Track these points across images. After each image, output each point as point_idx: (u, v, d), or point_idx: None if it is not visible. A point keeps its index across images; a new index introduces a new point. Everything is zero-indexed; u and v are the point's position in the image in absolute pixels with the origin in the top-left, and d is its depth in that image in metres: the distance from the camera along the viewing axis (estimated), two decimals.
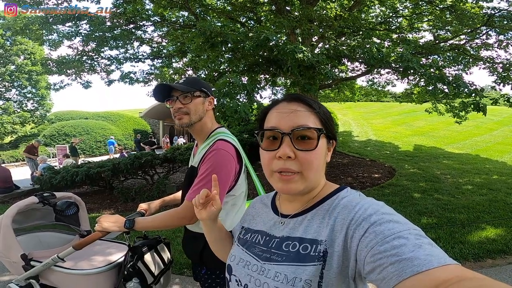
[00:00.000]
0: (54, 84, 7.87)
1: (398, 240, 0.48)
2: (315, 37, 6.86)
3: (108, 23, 6.73)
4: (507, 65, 6.58)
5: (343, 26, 6.20)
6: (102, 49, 7.45)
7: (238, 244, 0.75)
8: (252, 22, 7.92)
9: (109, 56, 7.85)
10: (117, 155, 12.60)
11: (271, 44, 4.45)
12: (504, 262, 3.01)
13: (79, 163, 7.84)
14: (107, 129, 18.48)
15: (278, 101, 0.68)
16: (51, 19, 6.33)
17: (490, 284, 0.38)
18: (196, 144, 1.38)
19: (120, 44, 7.48)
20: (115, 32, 6.89)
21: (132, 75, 8.41)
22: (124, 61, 8.02)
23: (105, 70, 8.06)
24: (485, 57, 7.22)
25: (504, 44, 7.01)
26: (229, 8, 7.31)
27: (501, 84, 6.32)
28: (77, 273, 1.28)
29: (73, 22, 6.55)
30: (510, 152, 10.53)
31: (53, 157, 14.47)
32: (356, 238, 0.54)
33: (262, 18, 7.72)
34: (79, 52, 7.38)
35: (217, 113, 4.31)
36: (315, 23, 6.27)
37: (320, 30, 6.44)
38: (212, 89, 1.35)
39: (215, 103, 1.31)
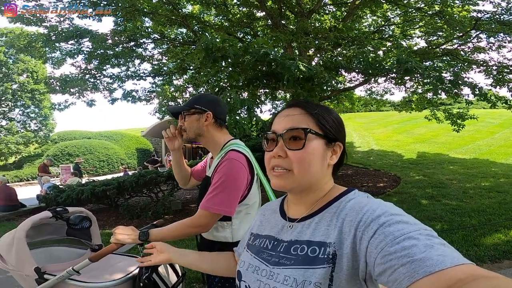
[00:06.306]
0: (59, 104, 7.85)
1: (409, 240, 0.47)
2: (312, 49, 6.97)
3: (110, 41, 6.83)
4: (501, 67, 6.59)
5: (338, 37, 6.31)
6: (104, 67, 7.54)
7: (247, 250, 0.76)
8: (249, 37, 8.08)
9: (111, 74, 7.95)
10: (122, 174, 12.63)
11: (269, 58, 4.53)
12: None
13: (83, 182, 7.86)
14: (110, 149, 18.50)
15: (283, 108, 0.75)
16: (54, 36, 6.30)
17: (506, 282, 0.37)
18: (211, 156, 1.43)
19: (121, 62, 7.57)
20: (116, 49, 6.97)
21: (134, 93, 8.48)
22: (126, 79, 8.10)
23: (107, 88, 8.15)
24: (479, 60, 7.22)
25: (495, 46, 7.03)
26: (226, 24, 7.47)
27: (497, 87, 6.34)
28: (92, 286, 1.27)
29: (76, 39, 6.56)
30: None
31: (56, 177, 14.46)
32: (365, 239, 0.53)
33: (259, 33, 7.88)
34: (82, 70, 7.44)
35: None
36: (311, 36, 6.39)
37: (316, 42, 6.55)
38: None
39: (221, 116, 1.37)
